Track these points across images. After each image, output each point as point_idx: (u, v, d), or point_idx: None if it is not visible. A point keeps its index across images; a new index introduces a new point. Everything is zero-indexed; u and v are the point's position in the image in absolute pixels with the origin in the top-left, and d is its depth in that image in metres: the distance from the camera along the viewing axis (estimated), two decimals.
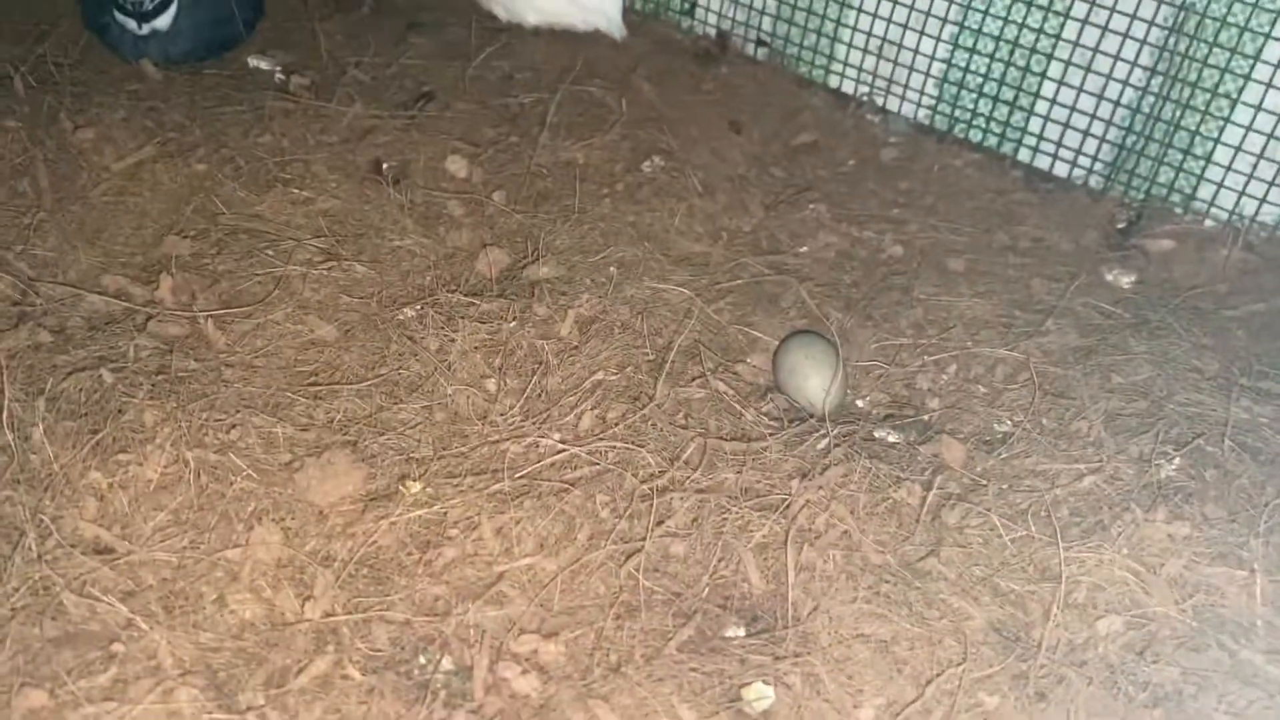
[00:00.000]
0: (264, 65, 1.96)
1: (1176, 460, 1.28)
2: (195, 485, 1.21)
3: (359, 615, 1.11)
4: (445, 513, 1.21)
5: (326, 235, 1.59)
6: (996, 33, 1.87)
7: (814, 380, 1.38)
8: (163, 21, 1.82)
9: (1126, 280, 1.65)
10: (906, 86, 2.00)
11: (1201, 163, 1.73)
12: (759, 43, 2.16)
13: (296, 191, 1.65)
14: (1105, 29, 1.76)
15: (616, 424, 1.33)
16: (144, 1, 1.78)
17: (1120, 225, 1.77)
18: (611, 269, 1.58)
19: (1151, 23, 1.71)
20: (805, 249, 1.70)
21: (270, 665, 1.07)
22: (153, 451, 1.22)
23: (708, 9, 2.20)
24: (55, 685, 1.02)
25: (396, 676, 1.07)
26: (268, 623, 1.11)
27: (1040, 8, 1.81)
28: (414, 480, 1.24)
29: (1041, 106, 1.86)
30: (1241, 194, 1.72)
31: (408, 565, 1.17)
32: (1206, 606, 1.13)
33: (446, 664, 1.08)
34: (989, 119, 1.93)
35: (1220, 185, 1.73)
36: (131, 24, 1.80)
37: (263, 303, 1.47)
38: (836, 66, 2.07)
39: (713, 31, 2.21)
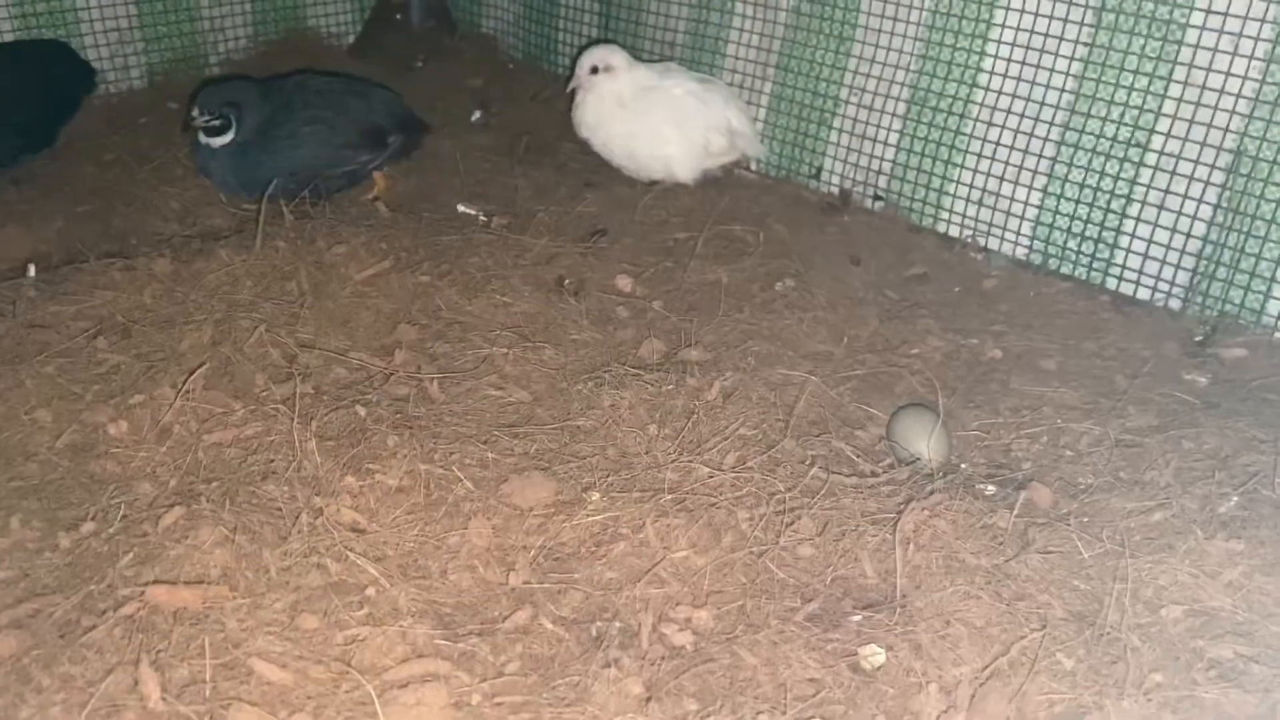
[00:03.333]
0: (470, 211, 2.42)
1: (1235, 498, 1.49)
2: (425, 490, 1.54)
3: (550, 584, 1.40)
4: (617, 517, 1.50)
5: (521, 328, 1.97)
6: (1081, 180, 2.19)
7: (922, 440, 1.64)
8: (218, 141, 2.25)
9: (1201, 379, 1.88)
10: (1005, 228, 2.32)
11: (1267, 282, 1.98)
12: (876, 197, 2.53)
13: (498, 298, 2.04)
14: (1173, 173, 2.06)
15: (753, 461, 1.62)
16: (202, 115, 2.22)
17: (1197, 338, 2.01)
18: (749, 358, 1.90)
19: (1213, 167, 2.01)
20: (916, 351, 1.98)
21: (482, 615, 1.36)
22: (394, 465, 1.57)
23: (831, 171, 2.60)
24: (325, 614, 1.33)
25: (579, 629, 1.34)
26: (480, 587, 1.40)
27: (1117, 159, 2.13)
28: (594, 492, 1.54)
29: (1124, 240, 2.15)
30: None
31: (587, 555, 1.46)
32: (1259, 604, 1.32)
33: (618, 624, 1.35)
34: (1078, 253, 2.22)
35: None
36: (203, 138, 2.25)
37: (472, 373, 1.83)
38: (944, 214, 2.41)
39: (836, 189, 2.60)
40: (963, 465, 1.68)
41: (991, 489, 1.60)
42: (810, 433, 1.71)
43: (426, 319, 1.98)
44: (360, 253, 2.12)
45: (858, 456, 1.66)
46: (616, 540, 1.47)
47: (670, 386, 1.77)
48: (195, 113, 2.25)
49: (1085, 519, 1.51)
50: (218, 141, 2.27)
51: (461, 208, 2.41)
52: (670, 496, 1.54)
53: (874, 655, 1.27)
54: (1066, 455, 1.67)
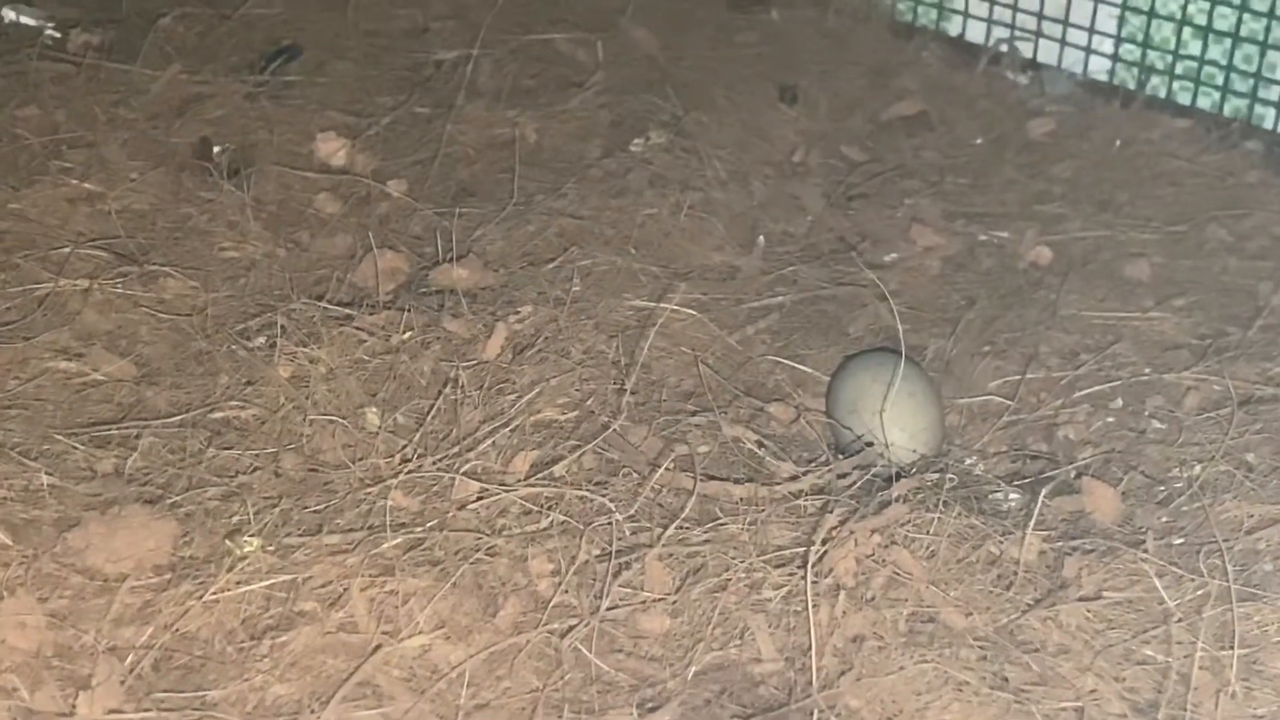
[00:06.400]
0: (27, 20, 2.48)
1: None
2: None
3: (161, 712, 1.47)
4: (296, 581, 1.58)
5: (123, 241, 2.03)
6: None
7: (883, 413, 1.76)
8: None
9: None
10: (1068, 24, 2.46)
11: None
12: None
13: (76, 184, 2.10)
14: None
15: (564, 466, 1.71)
16: None
17: None
18: (572, 281, 2.00)
19: None
20: (892, 256, 2.11)
21: None
22: None
23: None
24: None
25: None
26: None
27: None
28: (250, 537, 1.62)
29: None
30: None
31: (236, 656, 1.53)
32: None
33: None
34: (1202, 65, 2.37)
35: None
36: None
37: (19, 328, 1.89)
38: (957, 2, 2.54)
39: None
40: (967, 460, 1.80)
41: (1015, 497, 1.72)
42: (679, 411, 1.81)
43: None
44: None
45: (763, 449, 1.76)
46: (294, 624, 1.55)
47: (409, 336, 1.86)
48: None
49: (1176, 540, 1.64)
50: None
51: (9, 14, 2.47)
52: (400, 539, 1.62)
53: None
54: (1154, 431, 1.81)
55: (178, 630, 1.55)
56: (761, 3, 2.63)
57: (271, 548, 1.62)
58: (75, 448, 1.74)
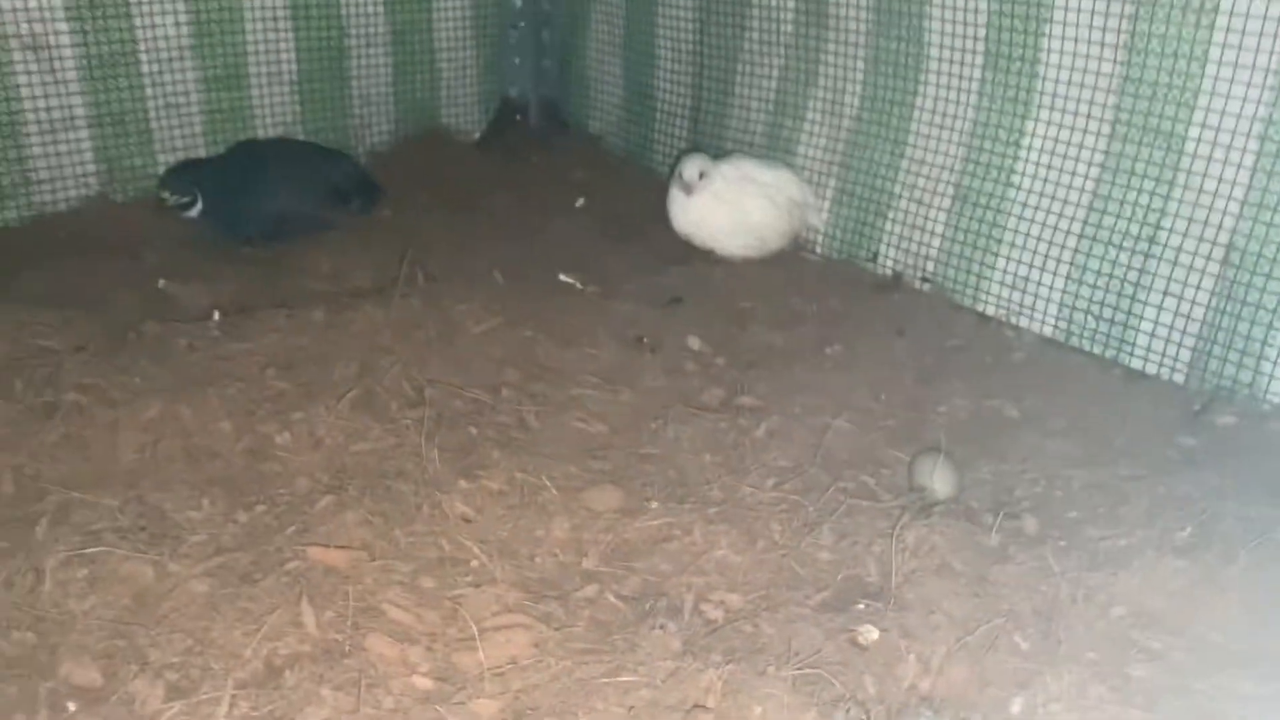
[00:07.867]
0: (569, 280, 2.83)
1: (1189, 530, 1.76)
2: (520, 494, 1.90)
3: (614, 570, 1.75)
4: (671, 523, 1.84)
5: (605, 375, 2.34)
6: (1099, 269, 2.49)
7: (931, 474, 1.95)
8: (193, 212, 2.84)
9: (1191, 440, 2.14)
10: (1034, 310, 2.62)
11: (1256, 359, 2.24)
12: (924, 279, 2.86)
13: (588, 350, 2.42)
14: (1176, 264, 2.36)
15: (788, 486, 1.95)
16: (172, 196, 2.78)
17: (1195, 408, 2.27)
18: (795, 407, 2.23)
19: (1209, 259, 2.30)
20: (944, 409, 2.28)
21: (560, 588, 1.71)
22: (497, 473, 1.93)
23: (886, 255, 2.95)
24: (440, 578, 1.71)
25: (636, 603, 1.68)
26: (559, 568, 1.76)
27: (1129, 250, 2.43)
28: (654, 502, 1.89)
29: (1135, 321, 2.43)
30: None
31: (645, 550, 1.79)
32: (1193, 608, 1.59)
33: (665, 601, 1.69)
34: (1096, 332, 2.51)
35: (1271, 376, 2.23)
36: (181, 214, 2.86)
37: (562, 408, 2.20)
38: (983, 295, 2.73)
39: (889, 271, 2.94)
40: (972, 502, 1.97)
41: (989, 518, 1.89)
42: (840, 468, 2.03)
43: (528, 365, 2.37)
44: (479, 311, 2.53)
45: (878, 487, 1.97)
46: (670, 540, 1.81)
47: (724, 425, 2.12)
48: (165, 195, 2.82)
49: (1062, 542, 1.79)
50: (189, 214, 2.84)
51: (562, 277, 2.82)
52: (716, 509, 1.88)
53: (869, 633, 1.58)
54: (1058, 495, 1.96)
55: (623, 536, 1.82)
56: (890, 289, 2.81)
57: (663, 508, 1.87)
58: (582, 458, 2.03)
